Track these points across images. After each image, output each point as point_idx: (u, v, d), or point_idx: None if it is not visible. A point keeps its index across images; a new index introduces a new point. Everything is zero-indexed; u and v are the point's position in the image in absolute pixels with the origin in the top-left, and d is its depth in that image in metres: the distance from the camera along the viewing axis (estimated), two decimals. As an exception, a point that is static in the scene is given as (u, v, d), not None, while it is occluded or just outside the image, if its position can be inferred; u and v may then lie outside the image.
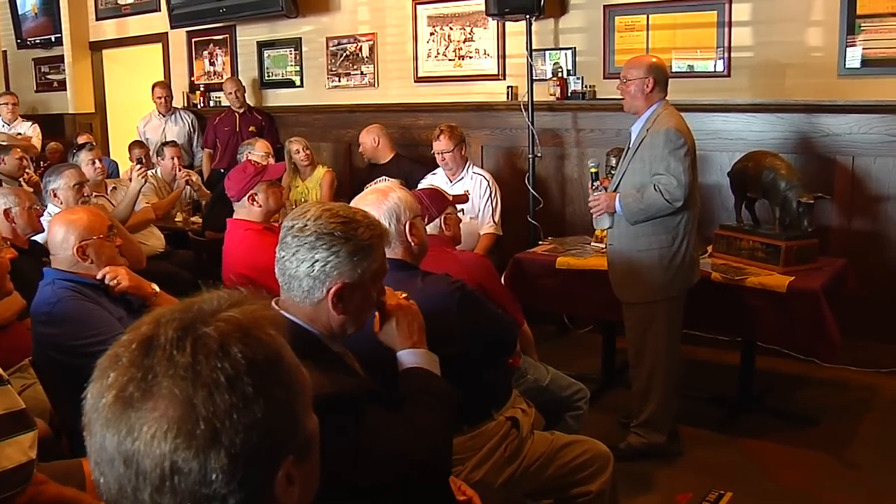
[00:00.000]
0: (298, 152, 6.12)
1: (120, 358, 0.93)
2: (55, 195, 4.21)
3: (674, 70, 5.21)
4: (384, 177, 5.72)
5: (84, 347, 2.60)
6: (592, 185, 3.87)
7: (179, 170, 6.11)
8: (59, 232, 2.87)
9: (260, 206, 3.62)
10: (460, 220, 3.47)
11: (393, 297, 2.00)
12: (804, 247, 4.04)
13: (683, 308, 3.75)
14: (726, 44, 5.08)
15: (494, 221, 5.14)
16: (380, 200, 2.47)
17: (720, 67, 5.13)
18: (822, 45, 4.81)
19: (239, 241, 3.61)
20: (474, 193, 5.12)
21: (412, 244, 2.48)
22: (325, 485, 1.55)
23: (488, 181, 5.22)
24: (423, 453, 1.83)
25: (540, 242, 5.11)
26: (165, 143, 6.39)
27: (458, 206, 3.53)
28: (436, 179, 5.37)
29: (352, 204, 2.56)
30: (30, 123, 7.88)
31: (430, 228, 3.14)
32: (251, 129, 6.95)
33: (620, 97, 5.09)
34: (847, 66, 4.72)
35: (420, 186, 5.37)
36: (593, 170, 3.91)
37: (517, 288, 4.52)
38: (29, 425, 2.10)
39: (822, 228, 4.78)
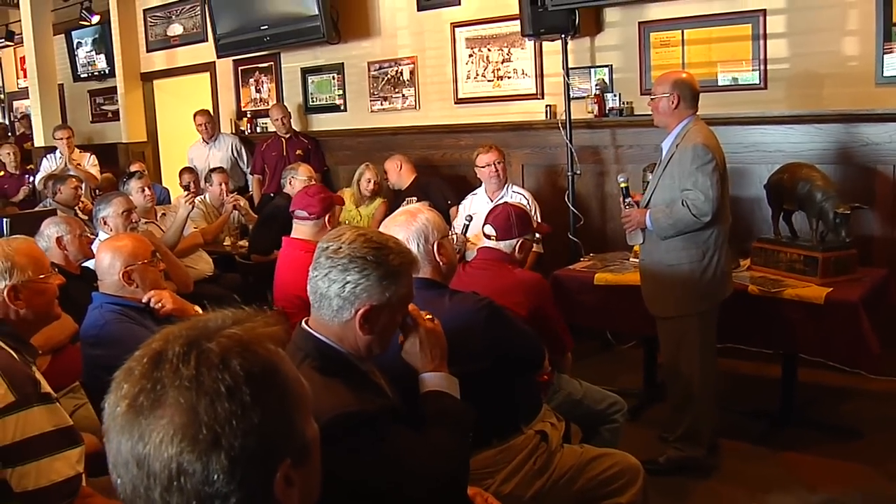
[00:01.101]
0: (369, 181, 6.27)
1: (133, 371, 1.05)
2: (105, 222, 4.38)
3: (710, 84, 5.24)
4: (408, 198, 5.85)
5: (129, 368, 2.71)
6: (625, 202, 3.90)
7: (227, 195, 6.28)
8: (106, 258, 3.00)
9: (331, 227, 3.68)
10: (533, 249, 3.57)
11: (419, 317, 2.06)
12: (842, 258, 4.02)
13: (717, 321, 3.76)
14: (762, 56, 5.09)
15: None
16: (409, 221, 2.55)
17: (757, 80, 5.13)
18: (859, 53, 4.79)
19: (295, 261, 3.61)
20: None
21: (441, 263, 2.55)
22: (345, 497, 1.63)
23: (528, 199, 5.30)
24: (441, 472, 1.89)
25: (581, 259, 5.14)
26: (213, 170, 6.56)
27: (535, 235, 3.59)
28: (476, 199, 5.47)
29: (382, 225, 2.66)
30: (87, 154, 8.13)
31: (504, 246, 3.26)
32: (298, 153, 7.11)
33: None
34: (885, 75, 4.68)
35: (463, 205, 5.50)
36: (623, 184, 3.94)
37: (557, 305, 4.57)
38: (76, 441, 2.22)
39: (865, 238, 4.75)
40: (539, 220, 5.20)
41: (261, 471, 1.03)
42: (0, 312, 2.37)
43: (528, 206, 5.18)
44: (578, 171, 5.63)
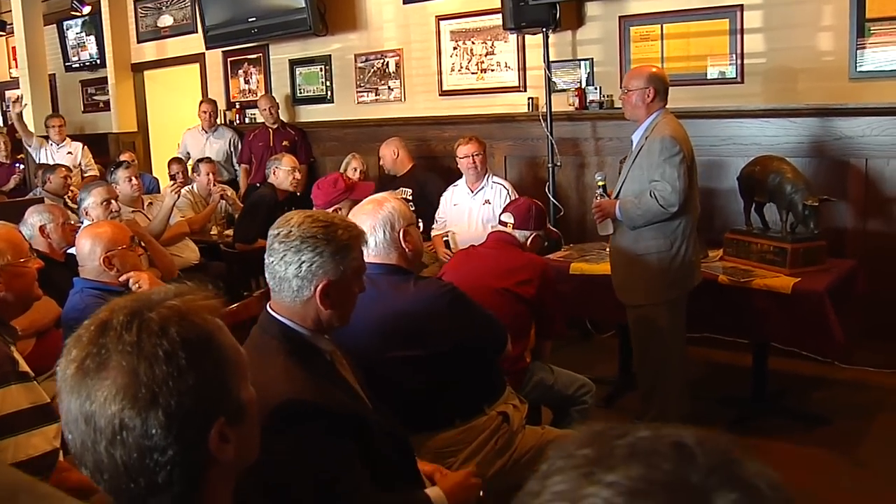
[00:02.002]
0: (356, 170, 6.32)
1: (81, 337, 1.17)
2: (87, 212, 4.45)
3: (688, 77, 5.33)
4: (402, 188, 5.92)
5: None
6: (598, 192, 3.99)
7: (214, 185, 6.35)
8: (86, 244, 3.09)
9: None
10: (541, 245, 3.70)
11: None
12: (811, 249, 4.11)
13: (688, 310, 3.85)
14: (739, 50, 5.17)
15: None
16: (376, 210, 2.64)
17: (733, 74, 5.21)
18: (833, 49, 4.88)
19: None
20: (495, 203, 5.30)
21: (406, 250, 2.64)
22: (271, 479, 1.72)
23: (508, 190, 5.39)
24: None
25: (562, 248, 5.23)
26: (201, 160, 6.63)
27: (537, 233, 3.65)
28: (458, 191, 5.55)
29: (350, 214, 2.75)
30: (78, 144, 8.20)
31: (519, 235, 3.47)
32: (284, 143, 7.18)
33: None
34: (858, 70, 4.77)
35: (445, 197, 5.57)
36: (601, 182, 4.00)
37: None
38: (53, 418, 2.31)
39: (838, 230, 4.85)
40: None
41: (196, 427, 1.15)
42: (-19, 295, 2.45)
43: (508, 197, 5.28)
44: (559, 163, 5.72)
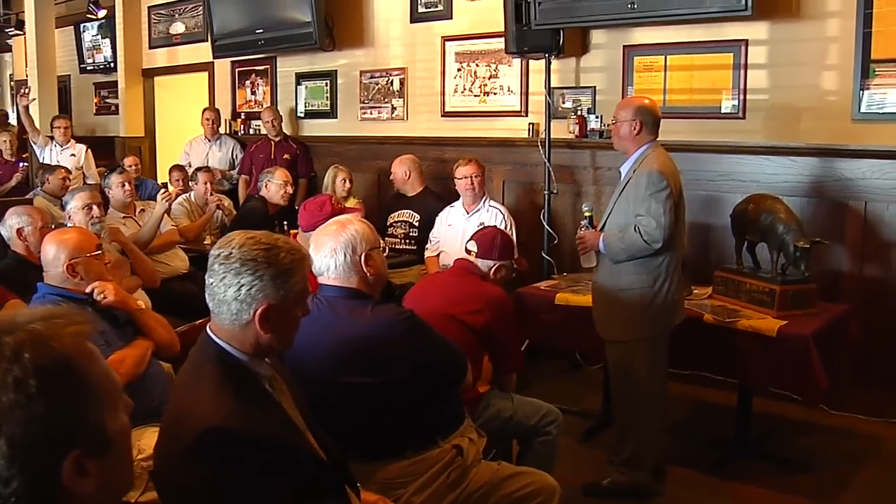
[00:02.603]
0: (345, 181, 6.29)
1: None
2: (69, 216, 4.42)
3: (690, 110, 5.26)
4: (409, 210, 5.86)
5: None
6: (583, 224, 3.92)
7: (211, 194, 6.32)
8: (51, 250, 3.04)
9: None
10: (508, 276, 3.58)
11: None
12: (801, 291, 4.01)
13: (668, 347, 3.76)
14: (742, 86, 5.10)
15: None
16: (338, 232, 2.59)
17: (735, 109, 5.13)
18: (837, 88, 4.80)
19: None
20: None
21: (367, 274, 2.58)
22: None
23: (504, 215, 5.33)
24: None
25: (553, 277, 5.16)
26: (199, 169, 6.60)
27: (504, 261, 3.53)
28: (453, 212, 5.49)
29: (314, 235, 2.69)
30: (82, 147, 8.19)
31: (481, 264, 3.37)
32: (285, 157, 7.16)
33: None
34: (862, 111, 4.69)
35: (440, 217, 5.53)
36: (587, 213, 3.93)
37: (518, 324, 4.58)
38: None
39: (833, 273, 4.76)
40: (514, 237, 5.24)
41: (44, 458, 1.08)
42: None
43: (503, 222, 5.22)
44: (556, 191, 5.65)
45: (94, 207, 4.46)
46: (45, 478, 1.08)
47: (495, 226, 3.60)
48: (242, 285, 1.87)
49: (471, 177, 5.35)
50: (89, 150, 8.11)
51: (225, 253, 1.90)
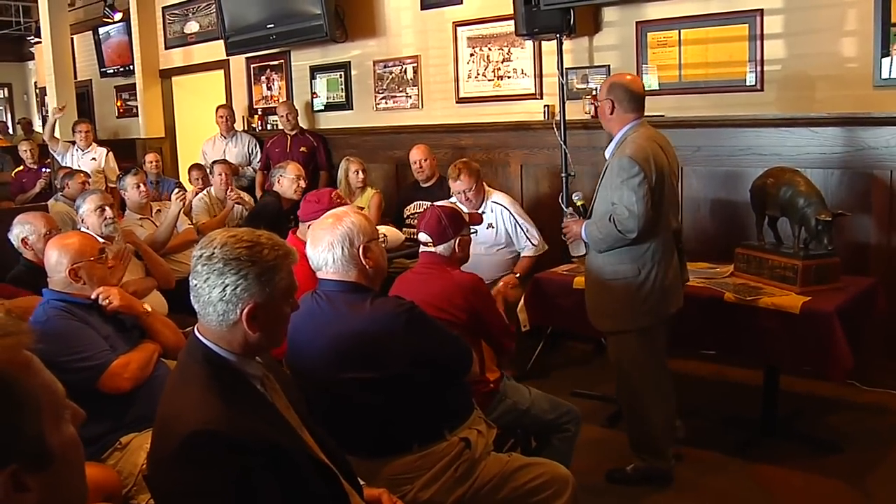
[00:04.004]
0: (357, 173, 6.25)
1: None
2: (83, 220, 4.41)
3: (707, 84, 5.15)
4: (426, 201, 5.78)
5: (68, 364, 2.72)
6: (567, 215, 3.85)
7: (231, 189, 6.31)
8: (53, 255, 3.02)
9: None
10: (470, 240, 3.38)
11: None
12: (824, 266, 3.90)
13: (665, 337, 3.66)
14: (758, 57, 4.96)
15: (533, 244, 5.15)
16: (335, 225, 2.53)
17: (753, 81, 5.00)
18: (857, 55, 4.64)
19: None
20: (498, 225, 5.13)
21: (367, 267, 2.52)
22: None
23: (508, 208, 5.18)
24: None
25: (573, 261, 5.07)
26: (216, 162, 6.59)
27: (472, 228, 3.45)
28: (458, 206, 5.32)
29: (310, 229, 2.64)
30: (103, 150, 8.24)
31: (443, 249, 3.17)
32: (302, 150, 7.13)
33: (655, 114, 5.13)
34: (883, 77, 4.53)
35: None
36: (579, 202, 3.85)
37: (536, 307, 4.52)
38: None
39: (860, 245, 4.63)
40: (527, 221, 5.12)
41: None
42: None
43: (511, 217, 5.12)
44: (573, 173, 5.54)
45: (107, 209, 4.45)
46: None
47: (431, 205, 3.36)
48: (227, 285, 1.83)
49: (464, 192, 5.10)
50: (110, 153, 8.17)
51: (207, 253, 1.85)
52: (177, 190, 5.68)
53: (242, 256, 1.84)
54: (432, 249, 3.14)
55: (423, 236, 3.19)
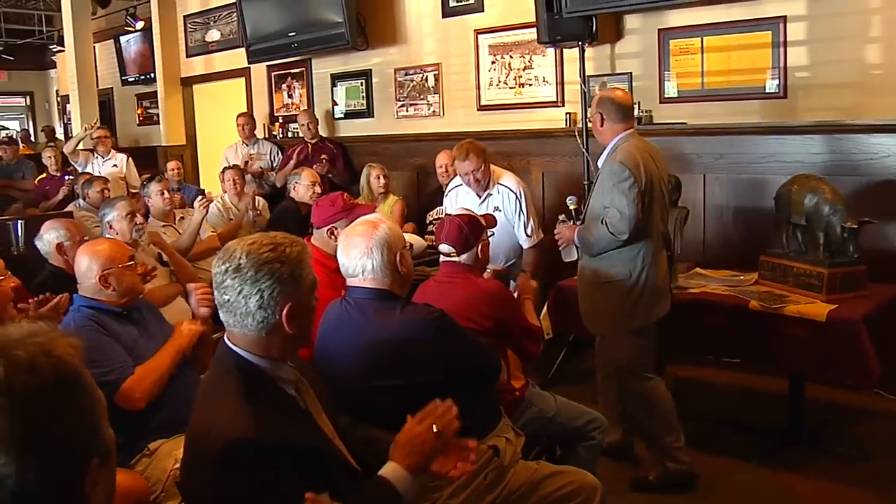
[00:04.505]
0: (379, 178, 6.27)
1: None
2: (111, 226, 4.43)
3: (729, 92, 5.13)
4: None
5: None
6: (562, 222, 3.93)
7: (243, 193, 6.34)
8: (84, 262, 3.04)
9: (336, 242, 3.39)
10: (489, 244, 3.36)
11: (426, 418, 1.99)
12: (850, 273, 3.88)
13: (654, 341, 3.73)
14: (782, 64, 4.94)
15: (527, 234, 4.89)
16: (371, 231, 2.52)
17: (776, 88, 4.98)
18: (882, 62, 4.63)
19: None
20: (506, 209, 4.90)
21: (401, 274, 2.53)
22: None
23: (515, 192, 4.93)
24: None
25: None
26: (227, 168, 6.63)
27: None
28: (463, 194, 5.07)
29: (342, 235, 2.64)
30: (123, 156, 8.30)
31: (466, 258, 3.15)
32: (323, 157, 7.13)
33: (677, 122, 5.13)
34: (909, 84, 4.52)
35: (449, 199, 5.19)
36: (572, 206, 3.95)
37: (559, 315, 4.51)
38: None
39: (887, 254, 4.59)
40: (529, 209, 4.92)
41: (73, 470, 1.06)
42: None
43: (518, 200, 4.89)
44: (595, 181, 5.52)
45: (138, 215, 4.48)
46: (73, 490, 1.06)
47: (449, 216, 3.30)
48: (263, 291, 1.83)
49: (472, 173, 4.80)
50: (130, 159, 8.22)
51: (233, 266, 1.85)
52: (200, 197, 5.69)
53: (271, 259, 1.85)
54: (455, 259, 3.13)
55: (445, 247, 3.16)
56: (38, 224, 4.44)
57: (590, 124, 5.55)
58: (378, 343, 2.44)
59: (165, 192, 5.52)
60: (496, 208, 4.86)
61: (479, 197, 4.92)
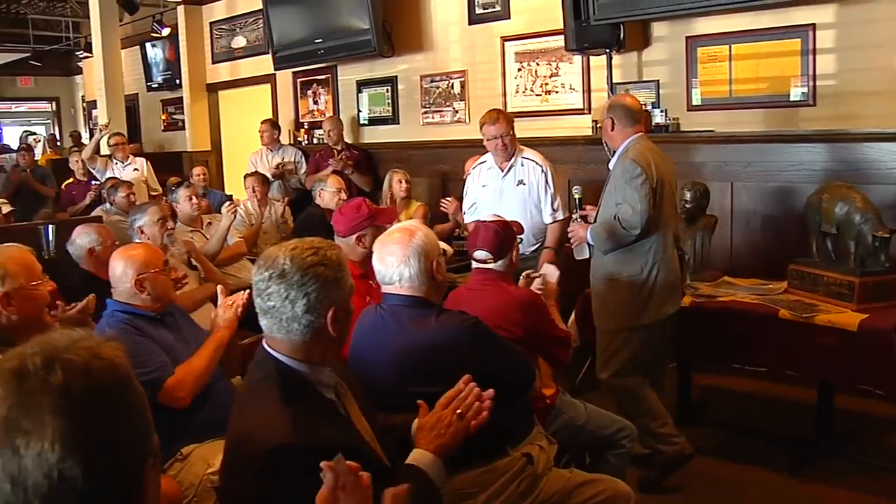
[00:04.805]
0: (401, 182, 6.27)
1: None
2: (142, 231, 4.47)
3: (758, 100, 5.12)
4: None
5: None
6: (574, 213, 4.09)
7: (259, 198, 6.38)
8: (119, 266, 3.07)
9: (365, 249, 3.46)
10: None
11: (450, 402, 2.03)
12: (881, 283, 3.85)
13: (659, 340, 3.84)
14: (811, 72, 4.93)
15: (553, 209, 4.84)
16: (408, 239, 2.52)
17: (804, 96, 4.97)
18: (912, 70, 4.61)
19: None
20: (531, 183, 4.83)
21: (437, 281, 2.53)
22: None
23: (542, 167, 4.87)
24: None
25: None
26: (248, 175, 6.67)
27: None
28: (486, 171, 5.03)
29: (377, 243, 2.64)
30: (142, 160, 8.35)
31: (500, 264, 3.12)
32: (342, 155, 7.13)
33: (705, 129, 5.12)
34: (939, 93, 4.49)
35: (471, 177, 5.13)
36: (577, 196, 4.08)
37: (587, 323, 4.50)
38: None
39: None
40: (555, 186, 4.89)
41: (132, 472, 1.08)
42: (-7, 317, 2.44)
43: (543, 174, 4.86)
44: (621, 188, 5.53)
45: (169, 220, 4.53)
46: (133, 492, 1.08)
47: (483, 222, 3.27)
48: (310, 294, 1.84)
49: (500, 137, 4.74)
50: (149, 163, 8.28)
51: (277, 272, 1.85)
52: (227, 203, 5.73)
53: (315, 262, 1.86)
54: (490, 266, 3.12)
55: (481, 254, 3.11)
56: (68, 228, 4.50)
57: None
58: (413, 349, 2.45)
59: (193, 197, 5.56)
60: (520, 181, 4.83)
61: (502, 171, 4.87)
